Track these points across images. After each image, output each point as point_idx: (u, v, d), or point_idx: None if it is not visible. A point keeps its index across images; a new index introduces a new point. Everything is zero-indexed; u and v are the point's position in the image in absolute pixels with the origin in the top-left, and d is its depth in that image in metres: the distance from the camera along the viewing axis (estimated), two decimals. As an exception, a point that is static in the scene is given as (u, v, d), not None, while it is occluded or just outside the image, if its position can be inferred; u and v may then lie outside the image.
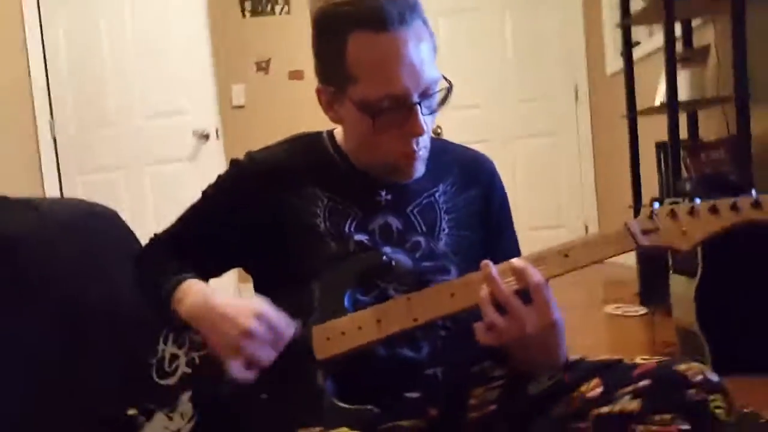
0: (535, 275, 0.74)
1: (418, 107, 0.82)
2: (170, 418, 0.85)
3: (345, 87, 0.84)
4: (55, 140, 3.41)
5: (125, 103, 3.35)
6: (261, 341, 0.79)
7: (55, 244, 1.05)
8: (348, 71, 0.82)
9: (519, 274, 0.75)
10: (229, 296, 0.86)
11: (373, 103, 0.82)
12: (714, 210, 0.74)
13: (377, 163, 0.90)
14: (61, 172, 3.42)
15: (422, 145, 0.87)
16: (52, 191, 3.34)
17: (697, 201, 0.76)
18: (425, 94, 0.83)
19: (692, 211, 0.75)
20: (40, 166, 3.38)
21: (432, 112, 0.85)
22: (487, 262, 0.77)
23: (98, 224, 1.15)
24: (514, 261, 0.76)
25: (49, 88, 3.38)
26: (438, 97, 0.85)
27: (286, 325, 0.81)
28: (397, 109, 0.82)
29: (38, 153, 3.37)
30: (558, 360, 0.79)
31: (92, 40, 3.35)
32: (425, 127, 0.84)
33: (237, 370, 0.79)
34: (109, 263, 1.11)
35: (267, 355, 0.80)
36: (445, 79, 0.85)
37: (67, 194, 3.36)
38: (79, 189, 3.36)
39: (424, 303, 0.80)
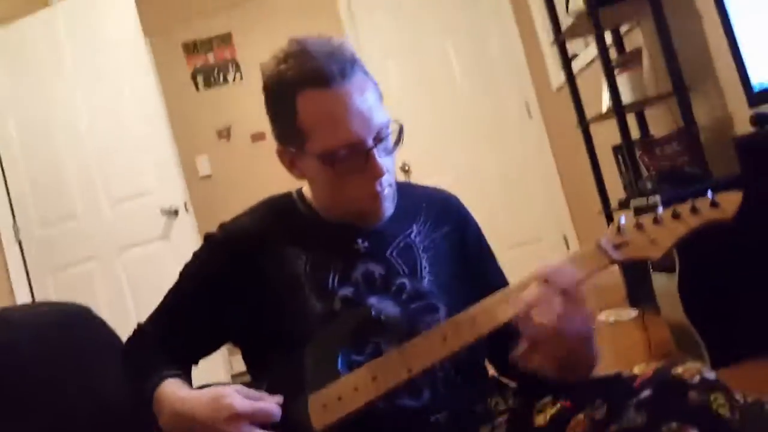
0: (565, 276, 0.76)
1: (374, 151, 0.86)
2: None
3: (302, 144, 0.88)
4: (20, 243, 3.35)
5: (88, 193, 3.31)
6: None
7: (30, 355, 1.03)
8: (302, 129, 0.86)
9: (549, 279, 0.75)
10: (202, 393, 0.84)
11: (330, 154, 0.85)
12: (676, 215, 0.77)
13: (346, 210, 0.92)
14: (30, 274, 3.34)
15: (386, 185, 0.90)
16: (22, 294, 3.25)
17: (660, 209, 0.79)
18: (378, 138, 0.87)
19: (656, 220, 0.78)
20: (8, 270, 3.30)
21: (389, 153, 0.89)
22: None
23: (71, 325, 1.14)
24: (539, 270, 0.77)
25: (7, 189, 3.34)
26: (392, 138, 0.89)
27: (267, 401, 0.81)
28: (354, 155, 0.85)
29: (3, 258, 3.30)
30: (589, 366, 0.80)
31: (46, 133, 3.32)
32: (384, 169, 0.87)
33: None
34: (87, 363, 1.09)
35: None
36: (395, 121, 0.89)
37: (38, 295, 3.28)
38: (50, 288, 3.28)
39: (417, 352, 0.80)
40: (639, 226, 0.79)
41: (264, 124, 0.92)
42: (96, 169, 3.30)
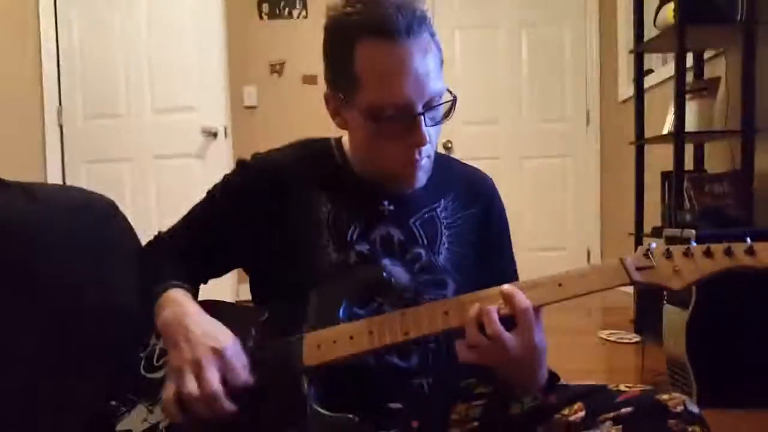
0: (523, 302, 0.75)
1: (422, 118, 0.83)
2: (151, 411, 0.85)
3: (351, 94, 0.85)
4: (61, 127, 3.44)
5: (135, 96, 3.38)
6: (202, 377, 0.79)
7: (49, 232, 1.05)
8: (354, 78, 0.84)
9: (508, 298, 0.76)
10: (206, 317, 0.86)
11: (377, 111, 0.83)
12: (708, 253, 0.75)
13: (380, 171, 0.91)
14: (65, 160, 3.44)
15: (424, 155, 0.88)
16: (54, 179, 3.36)
17: (693, 243, 0.77)
18: (429, 106, 0.84)
19: (687, 252, 0.76)
20: (44, 152, 3.40)
21: (436, 124, 0.87)
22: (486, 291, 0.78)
23: (95, 215, 1.14)
24: (505, 286, 0.78)
25: (59, 74, 3.41)
26: (442, 109, 0.87)
27: (241, 370, 0.81)
28: (400, 118, 0.83)
29: (43, 139, 3.39)
30: (536, 383, 0.80)
31: (106, 31, 3.38)
32: (428, 138, 0.85)
33: (170, 397, 0.80)
34: (104, 255, 1.10)
35: (198, 393, 0.78)
36: (450, 92, 0.86)
37: (69, 182, 3.38)
38: (83, 178, 3.39)
39: (417, 319, 0.81)
40: (667, 254, 0.77)
41: (318, 67, 0.90)
42: (146, 76, 3.36)
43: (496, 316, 0.75)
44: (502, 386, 0.82)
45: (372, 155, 0.90)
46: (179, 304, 0.87)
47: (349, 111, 0.88)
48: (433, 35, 0.86)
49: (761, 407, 1.58)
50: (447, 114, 0.88)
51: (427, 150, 0.88)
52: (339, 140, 0.99)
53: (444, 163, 0.99)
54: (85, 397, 0.93)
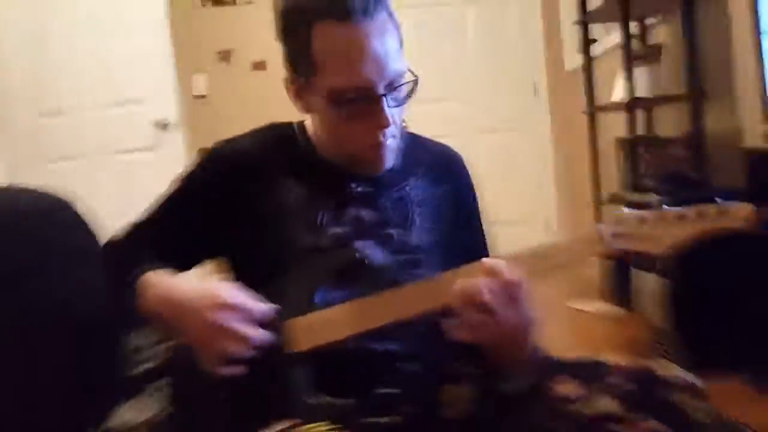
0: (512, 274, 0.75)
1: (384, 99, 0.82)
2: (132, 408, 0.84)
3: (311, 77, 0.84)
4: None
5: (80, 92, 3.23)
6: (230, 333, 0.78)
7: (3, 236, 0.99)
8: (314, 61, 0.82)
9: (491, 272, 0.75)
10: (189, 279, 0.84)
11: (338, 94, 0.82)
12: (681, 216, 0.76)
13: (345, 154, 0.90)
14: (8, 163, 3.27)
15: (389, 136, 0.87)
16: (-1, 181, 3.21)
17: (665, 207, 0.78)
18: (391, 87, 0.83)
19: (661, 217, 0.77)
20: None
21: (399, 105, 0.86)
22: (481, 261, 0.77)
23: (51, 210, 1.09)
24: (486, 261, 0.77)
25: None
26: (404, 89, 0.86)
27: (256, 304, 0.80)
28: (362, 100, 0.82)
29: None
30: (526, 357, 0.80)
31: (44, 27, 3.22)
32: (391, 119, 0.84)
33: (211, 364, 0.78)
34: (64, 253, 1.05)
35: (238, 347, 0.78)
36: (411, 72, 0.85)
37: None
38: (31, 179, 3.22)
39: (397, 301, 0.80)
40: (642, 220, 0.78)
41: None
42: (91, 70, 3.23)
43: (486, 289, 0.74)
44: (492, 365, 0.81)
45: (336, 139, 0.89)
46: (158, 284, 0.85)
47: (311, 95, 0.86)
48: (390, 14, 0.84)
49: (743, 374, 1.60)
50: (409, 94, 0.86)
51: (391, 131, 0.87)
52: (302, 124, 0.97)
53: (413, 141, 0.98)
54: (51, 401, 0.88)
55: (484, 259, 0.77)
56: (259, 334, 0.79)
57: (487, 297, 0.73)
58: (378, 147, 0.87)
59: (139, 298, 0.85)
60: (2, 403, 0.88)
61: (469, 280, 0.75)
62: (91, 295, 0.92)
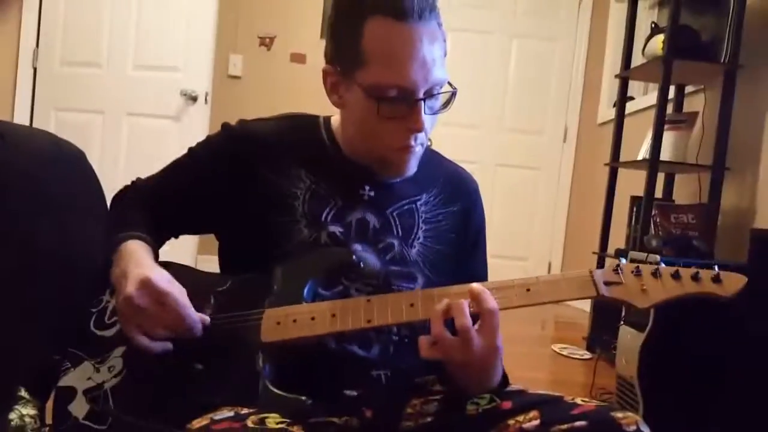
0: (490, 301, 0.76)
1: (422, 104, 0.83)
2: (97, 370, 0.84)
3: (354, 70, 0.84)
4: (35, 70, 3.31)
5: (118, 48, 3.27)
6: (144, 310, 0.79)
7: (11, 172, 1.01)
8: (361, 54, 0.82)
9: (476, 297, 0.76)
10: (158, 269, 0.84)
11: (379, 90, 0.82)
12: (676, 276, 0.76)
13: (372, 153, 0.90)
14: (35, 103, 3.32)
15: (419, 142, 0.87)
16: (21, 121, 3.23)
17: (662, 264, 0.78)
18: (430, 93, 0.84)
19: (656, 273, 0.77)
20: (14, 93, 3.27)
21: (434, 113, 0.86)
22: (471, 285, 0.78)
23: (62, 161, 1.11)
24: (474, 285, 0.78)
25: (40, 15, 3.27)
26: (442, 99, 0.86)
27: (178, 297, 0.81)
28: (401, 100, 0.82)
29: (15, 80, 3.26)
30: (491, 384, 0.80)
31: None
32: (425, 125, 0.84)
33: (131, 335, 0.81)
34: (66, 203, 1.07)
35: (153, 325, 0.80)
36: (450, 84, 0.86)
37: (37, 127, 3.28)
38: (51, 126, 3.26)
39: (382, 307, 0.80)
40: (636, 272, 0.79)
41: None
42: (132, 30, 3.26)
43: (467, 310, 0.75)
44: (456, 387, 0.81)
45: (367, 135, 0.88)
46: (132, 259, 0.84)
47: (350, 88, 0.86)
48: (440, 25, 0.85)
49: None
50: (446, 105, 0.87)
51: (422, 138, 0.87)
52: (328, 119, 0.97)
53: (432, 158, 0.99)
54: (30, 345, 0.89)
55: (472, 284, 0.78)
56: (158, 345, 0.81)
57: (466, 321, 0.74)
58: (407, 150, 0.87)
59: (114, 262, 0.86)
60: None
61: (452, 302, 0.76)
62: (96, 246, 0.94)
